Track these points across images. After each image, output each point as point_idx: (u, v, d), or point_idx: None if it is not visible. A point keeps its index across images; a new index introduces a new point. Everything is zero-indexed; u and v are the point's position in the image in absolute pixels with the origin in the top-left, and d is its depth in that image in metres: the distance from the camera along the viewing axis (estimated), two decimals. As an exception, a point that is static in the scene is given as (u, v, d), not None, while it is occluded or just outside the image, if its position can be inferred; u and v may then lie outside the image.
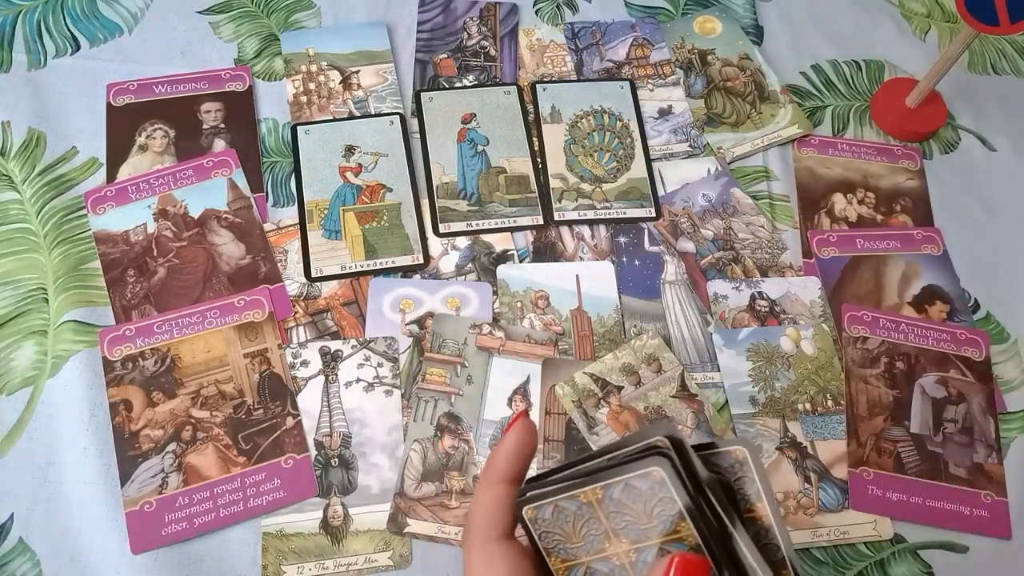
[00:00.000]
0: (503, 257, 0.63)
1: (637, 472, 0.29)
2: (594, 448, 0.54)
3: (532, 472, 0.35)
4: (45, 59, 0.69)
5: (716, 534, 0.29)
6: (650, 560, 0.30)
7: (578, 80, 0.72)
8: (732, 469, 0.32)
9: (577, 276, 0.62)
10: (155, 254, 0.60)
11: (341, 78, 0.70)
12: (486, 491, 0.33)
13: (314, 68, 0.70)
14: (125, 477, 0.52)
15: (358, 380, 0.56)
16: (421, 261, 0.62)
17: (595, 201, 0.65)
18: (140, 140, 0.66)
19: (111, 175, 0.64)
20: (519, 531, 0.33)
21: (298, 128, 0.67)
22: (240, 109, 0.68)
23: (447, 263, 0.62)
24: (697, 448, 0.31)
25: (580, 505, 0.31)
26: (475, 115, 0.69)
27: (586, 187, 0.66)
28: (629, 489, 0.30)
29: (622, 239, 0.64)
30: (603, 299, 0.61)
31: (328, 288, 0.60)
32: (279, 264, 0.61)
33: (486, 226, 0.64)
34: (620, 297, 0.61)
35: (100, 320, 0.57)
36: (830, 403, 0.57)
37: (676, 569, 0.28)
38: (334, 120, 0.68)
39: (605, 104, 0.70)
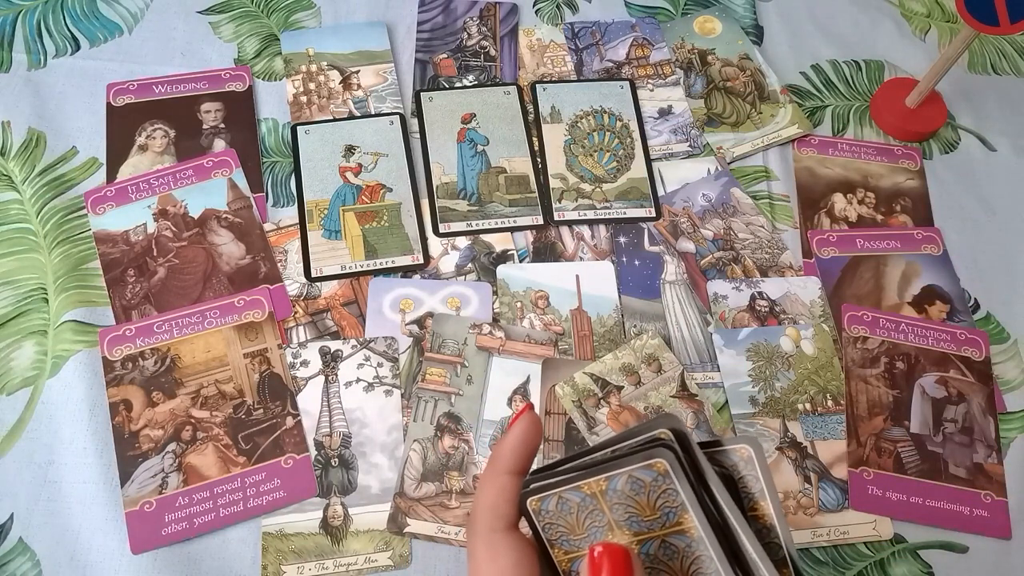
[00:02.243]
0: (503, 257, 0.63)
1: (641, 464, 0.29)
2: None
3: (535, 466, 0.35)
4: (45, 59, 0.69)
5: (719, 527, 0.29)
6: (652, 552, 0.30)
7: (578, 80, 0.72)
8: (736, 467, 0.32)
9: (577, 276, 0.62)
10: (155, 254, 0.60)
11: (341, 78, 0.70)
12: (491, 482, 0.33)
13: (314, 68, 0.70)
14: (125, 477, 0.52)
15: (358, 380, 0.56)
16: (421, 261, 0.62)
17: (595, 201, 0.65)
18: (140, 140, 0.66)
19: (111, 175, 0.64)
20: (523, 523, 0.34)
21: (298, 128, 0.67)
22: (240, 109, 0.68)
23: (447, 263, 0.62)
24: (702, 445, 0.31)
25: (584, 497, 0.31)
26: (475, 115, 0.69)
27: (586, 187, 0.66)
28: (633, 481, 0.30)
29: (622, 239, 0.64)
30: (603, 299, 0.61)
31: (328, 288, 0.60)
32: (279, 264, 0.61)
33: (486, 226, 0.64)
34: (620, 297, 0.61)
35: (100, 320, 0.57)
36: (830, 403, 0.57)
37: (599, 558, 0.28)
38: (334, 120, 0.68)
39: (605, 104, 0.70)
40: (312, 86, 0.69)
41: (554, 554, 0.33)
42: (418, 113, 0.69)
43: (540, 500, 0.32)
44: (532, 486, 0.32)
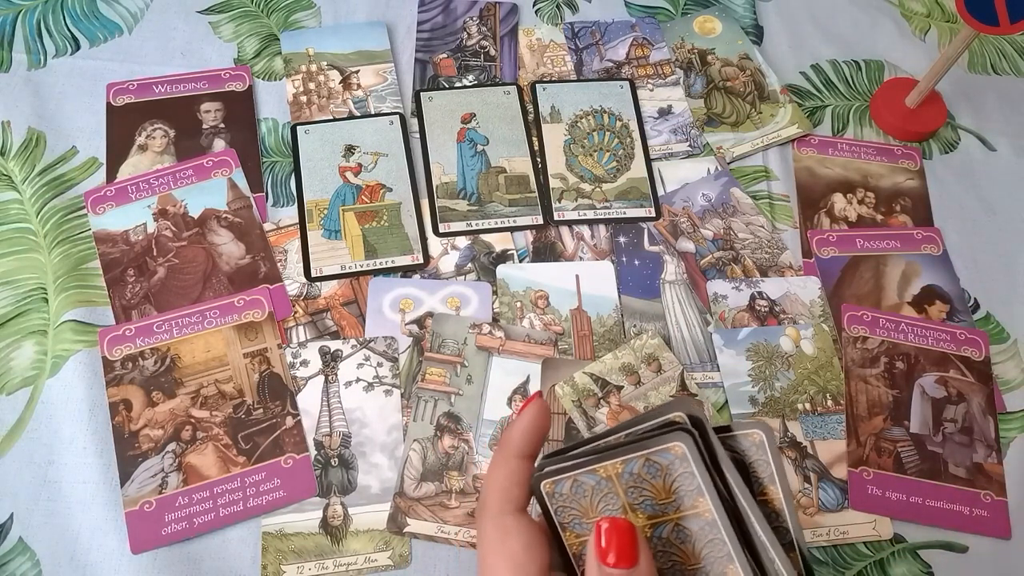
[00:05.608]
0: (503, 257, 0.63)
1: (659, 447, 0.30)
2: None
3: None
4: (45, 59, 0.69)
5: (731, 511, 0.29)
6: (665, 535, 0.30)
7: (578, 80, 0.72)
8: (747, 452, 0.32)
9: (577, 276, 0.62)
10: (155, 254, 0.60)
11: (341, 78, 0.70)
12: (502, 465, 0.34)
13: (314, 68, 0.70)
14: (125, 477, 0.52)
15: (358, 380, 0.56)
16: (421, 261, 0.62)
17: (595, 201, 0.65)
18: (140, 140, 0.66)
19: (111, 175, 0.64)
20: (532, 509, 0.34)
21: (298, 128, 0.67)
22: (240, 109, 0.68)
23: (447, 263, 0.62)
24: (715, 430, 0.32)
25: (599, 480, 0.31)
26: (475, 115, 0.69)
27: (586, 187, 0.66)
28: (649, 464, 0.30)
29: (622, 239, 0.64)
30: (603, 299, 0.61)
31: (328, 288, 0.61)
32: (279, 264, 0.61)
33: (486, 226, 0.64)
34: (620, 297, 0.61)
35: (100, 320, 0.57)
36: (830, 403, 0.57)
37: (605, 535, 0.29)
38: (334, 120, 0.68)
39: (605, 104, 0.70)
40: (312, 86, 0.69)
41: (565, 537, 0.33)
42: (418, 113, 0.69)
43: (554, 483, 0.32)
44: (546, 469, 0.32)
